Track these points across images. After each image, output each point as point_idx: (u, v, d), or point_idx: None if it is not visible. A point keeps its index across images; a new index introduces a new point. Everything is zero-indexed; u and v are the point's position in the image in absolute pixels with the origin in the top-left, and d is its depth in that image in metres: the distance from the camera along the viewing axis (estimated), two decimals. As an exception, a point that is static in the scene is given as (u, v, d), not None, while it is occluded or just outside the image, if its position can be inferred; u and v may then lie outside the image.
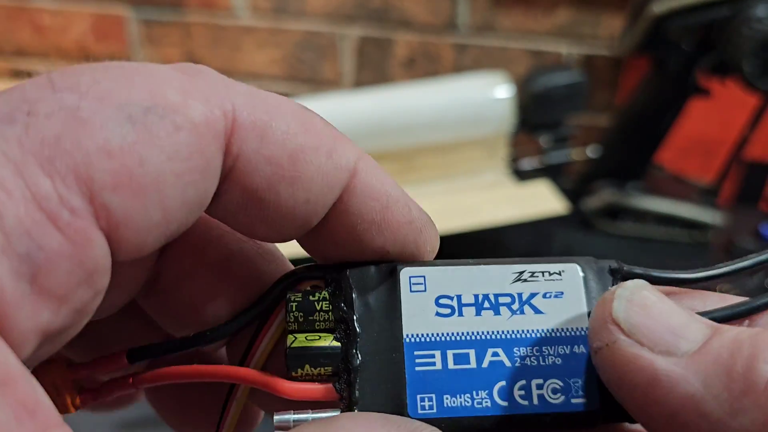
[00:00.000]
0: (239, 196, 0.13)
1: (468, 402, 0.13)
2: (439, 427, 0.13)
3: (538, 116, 0.56)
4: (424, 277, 0.14)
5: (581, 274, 0.14)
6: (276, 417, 0.13)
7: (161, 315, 0.16)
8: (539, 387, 0.13)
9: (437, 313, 0.14)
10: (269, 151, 0.13)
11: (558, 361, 0.14)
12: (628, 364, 0.12)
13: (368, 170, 0.14)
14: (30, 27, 0.92)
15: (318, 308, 0.14)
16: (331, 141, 0.13)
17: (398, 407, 0.13)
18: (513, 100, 0.52)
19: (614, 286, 0.13)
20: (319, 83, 0.91)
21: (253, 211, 0.13)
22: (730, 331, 0.12)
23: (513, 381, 0.13)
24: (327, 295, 0.14)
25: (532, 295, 0.14)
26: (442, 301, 0.14)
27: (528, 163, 0.62)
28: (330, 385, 0.14)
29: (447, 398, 0.13)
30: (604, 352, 0.13)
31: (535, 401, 0.13)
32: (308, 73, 0.90)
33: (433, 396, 0.13)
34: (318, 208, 0.13)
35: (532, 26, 0.83)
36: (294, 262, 0.16)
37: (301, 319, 0.14)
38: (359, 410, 0.13)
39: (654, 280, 0.14)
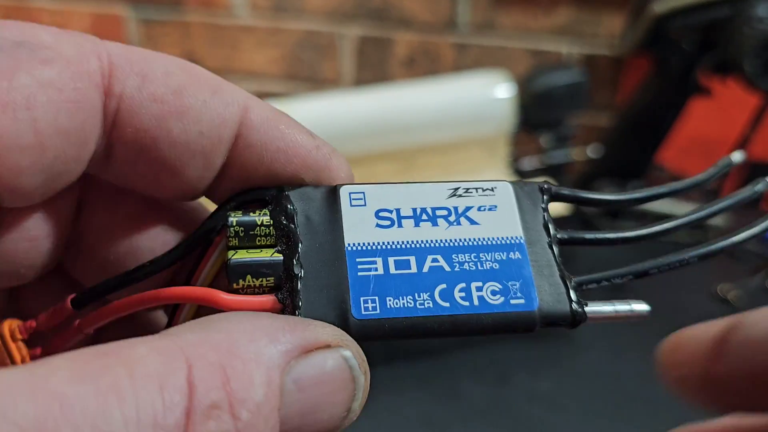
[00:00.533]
0: (132, 140, 0.13)
1: (410, 303, 0.14)
2: (383, 328, 0.13)
3: (538, 116, 0.56)
4: (363, 193, 0.15)
5: (513, 189, 0.15)
6: None
7: (88, 278, 0.16)
8: (479, 289, 0.14)
9: (377, 225, 0.14)
10: (152, 88, 0.13)
11: (495, 266, 0.14)
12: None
13: (260, 105, 0.14)
14: (29, 26, 0.92)
15: (259, 223, 0.14)
16: (215, 82, 0.14)
17: (342, 310, 0.13)
18: (513, 100, 0.52)
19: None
20: (318, 82, 0.91)
21: (150, 155, 0.13)
22: None
23: (453, 284, 0.14)
24: (267, 212, 0.14)
25: (468, 208, 0.15)
26: (382, 214, 0.15)
27: (528, 163, 0.62)
28: (272, 296, 0.14)
29: (390, 300, 0.14)
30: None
31: (476, 302, 0.14)
32: (308, 72, 0.90)
33: (376, 298, 0.14)
34: (213, 143, 0.14)
35: (532, 25, 0.83)
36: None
37: (242, 234, 0.14)
38: (302, 316, 0.13)
39: (583, 201, 0.16)
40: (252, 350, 0.11)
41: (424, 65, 0.87)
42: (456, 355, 0.52)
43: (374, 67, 0.88)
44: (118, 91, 0.13)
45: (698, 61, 0.64)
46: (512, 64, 0.85)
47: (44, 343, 0.15)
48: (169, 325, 0.15)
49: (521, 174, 0.60)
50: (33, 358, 0.15)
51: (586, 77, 0.60)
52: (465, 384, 0.49)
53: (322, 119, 0.49)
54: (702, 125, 0.77)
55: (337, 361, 0.12)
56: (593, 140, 0.72)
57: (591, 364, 0.52)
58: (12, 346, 0.14)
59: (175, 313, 0.15)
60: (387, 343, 0.47)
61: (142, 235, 0.15)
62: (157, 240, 0.15)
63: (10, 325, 0.15)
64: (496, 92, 0.52)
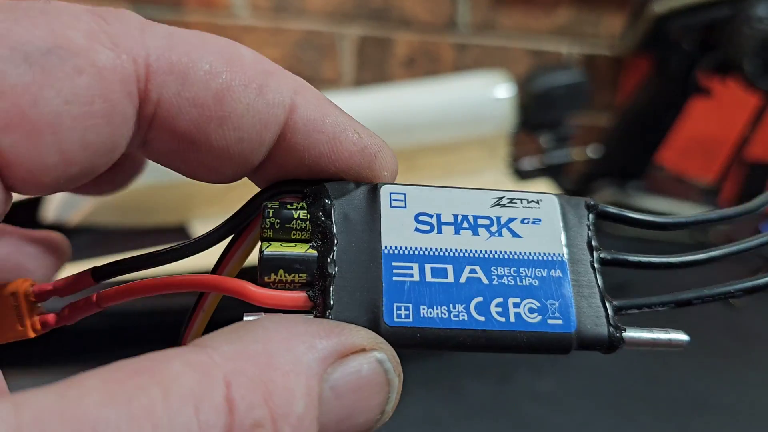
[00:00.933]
0: (169, 141, 0.13)
1: (445, 314, 0.13)
2: (415, 337, 0.13)
3: (538, 116, 0.56)
4: (404, 194, 0.14)
5: (559, 204, 0.15)
6: (246, 318, 0.13)
7: None
8: (516, 305, 0.13)
9: (416, 229, 0.14)
10: (192, 92, 0.12)
11: (535, 282, 0.14)
12: None
13: (308, 103, 0.13)
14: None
15: (295, 217, 0.14)
16: (262, 76, 0.13)
17: (374, 315, 0.13)
18: (513, 100, 0.52)
19: None
20: (319, 82, 0.91)
21: (187, 155, 0.13)
22: None
23: (490, 297, 0.13)
24: (305, 206, 0.14)
25: (511, 220, 0.14)
26: (422, 218, 0.14)
27: (529, 163, 0.62)
28: (304, 294, 0.13)
29: (424, 309, 0.13)
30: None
31: (512, 318, 0.13)
32: (308, 72, 0.90)
33: (410, 306, 0.13)
34: (255, 146, 0.13)
35: (532, 26, 0.83)
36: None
37: (277, 226, 0.14)
38: (333, 317, 0.13)
39: (629, 221, 0.16)
40: (291, 360, 0.11)
41: (424, 65, 0.87)
42: (459, 355, 0.52)
43: (374, 67, 0.88)
44: (155, 97, 0.12)
45: (698, 62, 0.64)
46: (512, 64, 0.85)
47: (58, 310, 0.15)
48: (193, 312, 0.15)
49: (521, 174, 0.60)
50: (43, 323, 0.14)
51: (586, 77, 0.60)
52: (467, 382, 0.49)
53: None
54: (702, 125, 0.77)
55: (372, 365, 0.12)
56: (593, 140, 0.72)
57: (592, 363, 0.52)
58: (24, 306, 0.14)
59: (199, 302, 0.15)
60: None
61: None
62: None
63: (24, 284, 0.14)
64: (496, 92, 0.52)
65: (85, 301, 0.14)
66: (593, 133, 0.81)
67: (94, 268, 0.14)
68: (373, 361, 0.12)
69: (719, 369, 0.51)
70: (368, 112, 0.50)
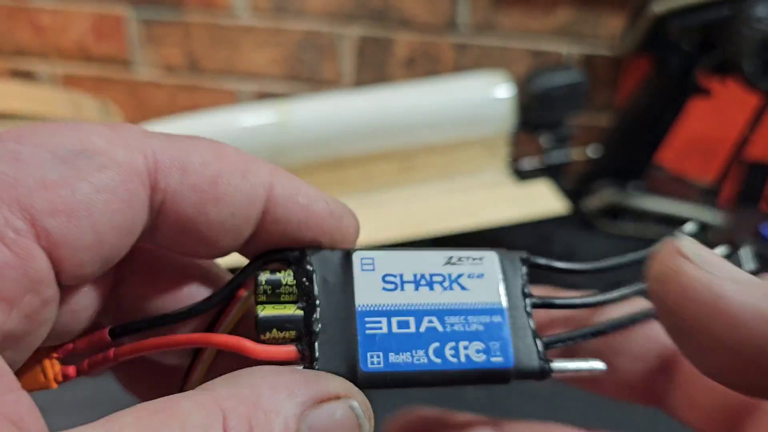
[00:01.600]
0: (174, 223, 0.16)
1: (409, 359, 0.16)
2: (385, 379, 0.16)
3: (538, 116, 0.56)
4: (373, 258, 0.17)
5: (498, 259, 0.18)
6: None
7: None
8: (465, 348, 0.17)
9: (384, 288, 0.17)
10: (191, 180, 0.15)
11: (480, 327, 0.17)
12: (695, 286, 0.13)
13: (283, 182, 0.16)
14: (29, 27, 0.92)
15: (284, 283, 0.16)
16: (243, 164, 0.16)
17: (352, 363, 0.16)
18: (513, 100, 0.52)
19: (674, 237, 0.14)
20: (319, 83, 0.91)
21: (190, 233, 0.16)
22: None
23: (444, 342, 0.16)
24: (291, 272, 0.17)
25: (459, 275, 0.17)
26: (388, 278, 0.17)
27: (528, 163, 0.62)
28: (293, 347, 0.16)
29: (392, 355, 0.16)
30: (670, 277, 0.13)
31: (462, 359, 0.16)
32: (308, 73, 0.90)
33: (381, 354, 0.16)
34: (244, 221, 0.16)
35: (532, 26, 0.83)
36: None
37: (269, 292, 0.16)
38: (319, 367, 0.16)
39: (555, 270, 0.19)
40: (273, 403, 0.13)
41: (424, 66, 0.87)
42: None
43: (374, 68, 0.89)
44: (162, 185, 0.15)
45: (698, 62, 0.64)
46: (512, 64, 0.85)
47: (78, 363, 0.17)
48: (191, 366, 0.18)
49: (521, 174, 0.60)
50: (65, 375, 0.17)
51: (585, 78, 0.60)
52: (465, 384, 0.49)
53: (323, 119, 0.49)
54: (701, 125, 0.77)
55: (345, 411, 0.15)
56: (593, 140, 0.72)
57: (591, 363, 0.52)
58: (47, 363, 0.17)
59: (198, 355, 0.17)
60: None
61: (174, 296, 0.18)
62: (187, 299, 0.18)
63: (48, 349, 0.17)
64: (495, 92, 0.52)
65: (103, 356, 0.17)
66: (593, 133, 0.81)
67: (111, 329, 0.17)
68: (345, 407, 0.15)
69: None
70: (368, 113, 0.50)
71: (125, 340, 0.17)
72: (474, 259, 0.17)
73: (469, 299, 0.17)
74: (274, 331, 0.16)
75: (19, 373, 0.15)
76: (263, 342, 0.16)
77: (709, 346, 0.13)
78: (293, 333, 0.16)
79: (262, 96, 0.93)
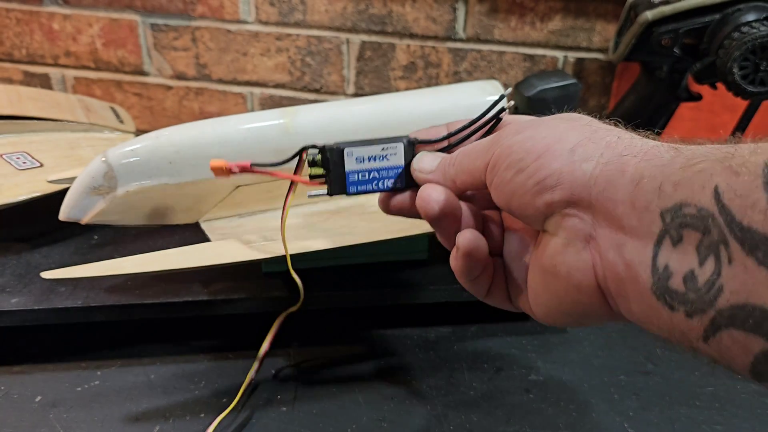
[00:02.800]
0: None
1: (365, 187, 0.36)
2: (357, 193, 0.36)
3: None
4: (352, 150, 0.36)
5: (402, 144, 0.36)
6: (309, 192, 0.37)
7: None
8: (386, 180, 0.36)
9: (356, 161, 0.36)
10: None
11: (392, 174, 0.36)
12: (419, 177, 0.35)
13: None
14: (41, 32, 0.94)
15: (317, 159, 0.36)
16: None
17: (343, 188, 0.36)
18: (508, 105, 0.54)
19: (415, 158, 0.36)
20: (322, 89, 0.92)
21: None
22: (443, 159, 0.35)
23: (380, 180, 0.36)
24: (320, 154, 0.36)
25: (386, 155, 0.36)
26: (358, 158, 0.36)
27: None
28: (324, 183, 0.37)
29: (359, 186, 0.36)
30: (414, 175, 0.36)
31: (386, 185, 0.36)
32: (312, 79, 0.92)
33: (355, 186, 0.36)
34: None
35: (527, 33, 0.85)
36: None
37: (310, 161, 0.36)
38: (329, 190, 0.36)
39: (416, 142, 0.36)
40: None
41: (424, 72, 0.89)
42: (454, 349, 0.54)
43: (375, 74, 0.90)
44: None
45: (688, 67, 0.65)
46: (508, 69, 0.87)
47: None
48: (288, 190, 0.38)
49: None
50: (230, 170, 0.35)
51: (578, 83, 0.62)
52: (462, 374, 0.50)
53: (326, 123, 0.51)
54: (691, 129, 0.79)
55: None
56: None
57: (583, 355, 0.53)
58: (227, 166, 0.35)
59: (288, 189, 0.38)
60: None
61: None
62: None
63: (225, 162, 0.35)
64: (490, 98, 0.54)
65: (247, 166, 0.35)
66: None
67: (252, 162, 0.36)
68: None
69: (708, 361, 0.52)
70: (369, 119, 0.51)
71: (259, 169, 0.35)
72: (393, 145, 0.36)
73: (389, 164, 0.36)
74: (316, 176, 0.36)
75: (215, 172, 0.35)
76: (311, 178, 0.36)
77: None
78: (323, 179, 0.36)
79: (268, 102, 0.95)
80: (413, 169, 0.35)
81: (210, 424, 0.44)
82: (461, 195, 0.34)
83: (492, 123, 0.35)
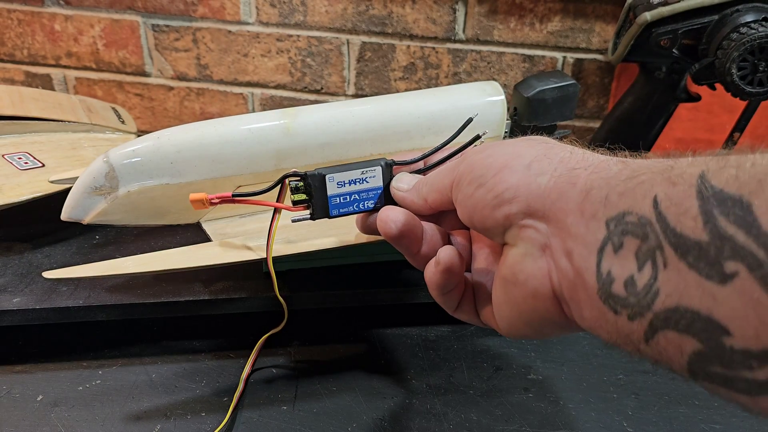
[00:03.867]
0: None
1: (347, 210, 0.39)
2: (338, 216, 0.40)
3: (531, 121, 0.58)
4: (333, 176, 0.38)
5: (381, 167, 0.38)
6: (293, 217, 0.40)
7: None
8: (365, 201, 0.39)
9: (337, 185, 0.38)
10: None
11: (370, 195, 0.39)
12: (397, 195, 0.38)
13: None
14: (43, 32, 0.94)
15: (300, 186, 0.38)
16: None
17: (326, 212, 0.39)
18: (507, 106, 0.54)
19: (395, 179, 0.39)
20: (322, 90, 0.93)
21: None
22: (419, 179, 0.37)
23: (360, 201, 0.39)
24: (302, 181, 0.38)
25: (366, 177, 0.38)
26: (339, 183, 0.38)
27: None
28: (306, 208, 0.39)
29: (341, 209, 0.39)
30: (392, 193, 0.39)
31: (364, 206, 0.39)
32: (312, 80, 0.92)
33: (337, 208, 0.39)
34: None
35: (527, 34, 0.85)
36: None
37: (294, 187, 0.38)
38: (313, 214, 0.39)
39: (393, 164, 0.39)
40: None
41: (424, 73, 0.89)
42: (453, 348, 0.54)
43: (375, 75, 0.91)
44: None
45: (687, 68, 0.65)
46: (507, 70, 0.87)
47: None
48: (273, 216, 0.41)
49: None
50: (211, 202, 0.38)
51: (577, 84, 0.62)
52: (461, 373, 0.51)
53: (327, 124, 0.51)
54: (689, 129, 0.79)
55: None
56: (585, 145, 0.73)
57: (582, 354, 0.53)
58: (206, 200, 0.38)
59: (273, 216, 0.41)
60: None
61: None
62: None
63: (204, 195, 0.38)
64: (490, 99, 0.54)
65: (229, 200, 0.39)
66: (585, 138, 0.83)
67: (235, 192, 0.38)
68: None
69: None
70: (370, 118, 0.52)
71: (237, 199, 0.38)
72: (371, 169, 0.38)
73: (368, 186, 0.38)
74: (300, 203, 0.39)
75: (194, 206, 0.38)
76: (295, 204, 0.39)
77: (404, 204, 0.38)
78: (305, 203, 0.39)
79: (268, 103, 0.95)
80: (392, 187, 0.38)
81: (210, 424, 0.44)
82: (434, 214, 0.37)
83: (467, 144, 0.39)
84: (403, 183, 0.38)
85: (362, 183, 0.38)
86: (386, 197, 0.39)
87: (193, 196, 0.36)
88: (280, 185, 0.38)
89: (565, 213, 0.27)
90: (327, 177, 0.37)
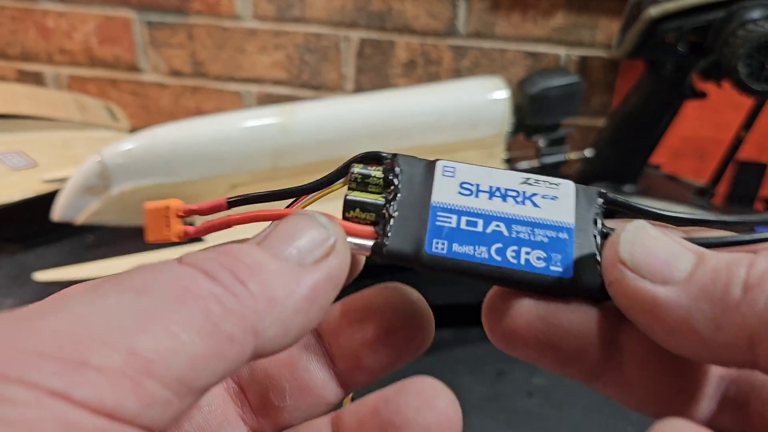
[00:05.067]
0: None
1: (471, 251, 0.17)
2: (445, 265, 0.17)
3: (534, 118, 0.57)
4: (454, 168, 0.18)
5: (574, 188, 0.18)
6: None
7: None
8: (527, 253, 0.17)
9: (459, 192, 0.18)
10: None
11: (545, 239, 0.17)
12: (635, 294, 0.15)
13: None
14: (36, 29, 0.93)
15: (373, 175, 0.18)
16: None
17: (417, 246, 0.17)
18: (510, 103, 0.53)
19: (619, 229, 0.16)
20: (321, 86, 0.92)
21: None
22: (712, 258, 0.14)
23: (508, 245, 0.17)
24: (381, 169, 0.18)
25: (534, 194, 0.18)
26: (465, 185, 0.18)
27: (525, 165, 0.63)
28: (371, 227, 0.18)
29: (455, 245, 0.17)
30: (615, 285, 0.15)
31: (522, 261, 0.17)
32: (310, 76, 0.91)
33: (446, 242, 0.17)
34: None
35: (530, 30, 0.84)
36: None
37: (359, 181, 0.18)
38: (388, 244, 0.17)
39: (634, 210, 0.18)
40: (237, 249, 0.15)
41: (424, 69, 0.88)
42: (455, 352, 0.53)
43: (375, 72, 0.90)
44: None
45: (692, 65, 0.64)
46: (510, 67, 0.86)
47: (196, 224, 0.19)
48: None
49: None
50: (184, 233, 0.19)
51: (581, 81, 0.61)
52: (464, 378, 0.50)
53: (325, 122, 0.50)
54: (696, 127, 0.78)
55: (299, 216, 0.16)
56: (589, 143, 0.73)
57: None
58: (174, 219, 0.19)
59: None
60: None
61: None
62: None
63: (176, 203, 0.19)
64: (493, 96, 0.53)
65: (219, 221, 0.19)
66: (589, 136, 0.82)
67: (230, 198, 0.19)
68: (298, 215, 0.16)
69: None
70: (369, 115, 0.51)
71: (239, 209, 0.19)
72: (551, 183, 0.18)
73: (539, 215, 0.17)
74: (357, 210, 0.18)
75: (149, 226, 0.19)
76: (347, 219, 0.18)
77: (653, 332, 0.15)
78: (373, 216, 0.18)
79: (266, 99, 0.94)
80: (616, 253, 0.15)
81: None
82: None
83: None
84: (665, 255, 0.15)
85: (522, 205, 0.18)
86: (585, 262, 0.17)
87: (150, 205, 0.19)
88: (332, 177, 0.19)
89: None
90: (440, 165, 0.18)
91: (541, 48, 0.85)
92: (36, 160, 0.63)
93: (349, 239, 0.17)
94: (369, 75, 0.90)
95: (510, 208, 0.18)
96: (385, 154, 0.18)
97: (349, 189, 0.18)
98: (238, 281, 0.13)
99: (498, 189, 0.18)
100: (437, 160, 0.18)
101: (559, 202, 0.18)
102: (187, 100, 0.95)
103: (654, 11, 0.63)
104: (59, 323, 0.12)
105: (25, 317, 0.12)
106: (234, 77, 0.93)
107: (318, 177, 0.18)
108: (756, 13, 0.60)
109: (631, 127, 0.68)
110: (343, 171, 0.19)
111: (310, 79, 0.91)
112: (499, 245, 0.17)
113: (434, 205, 0.18)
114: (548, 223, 0.17)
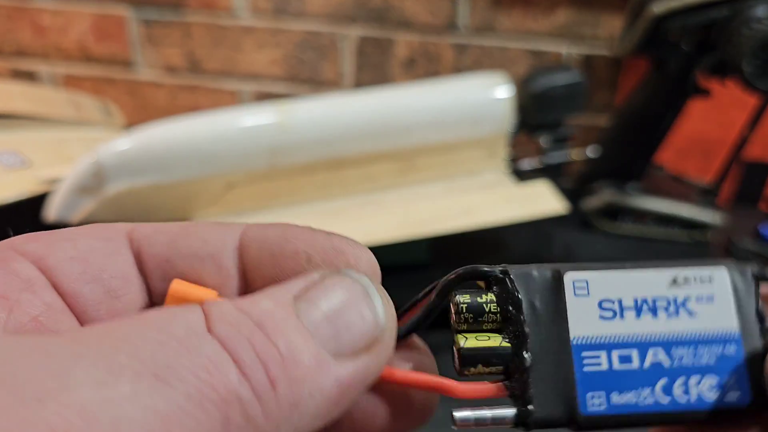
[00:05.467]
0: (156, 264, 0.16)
1: (633, 399, 0.14)
2: (608, 423, 0.14)
3: (537, 116, 0.56)
4: (586, 281, 0.15)
5: (729, 278, 0.15)
6: (457, 415, 0.14)
7: None
8: (697, 384, 0.14)
9: (601, 316, 0.15)
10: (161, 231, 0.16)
11: (711, 360, 0.15)
12: None
13: (255, 225, 0.16)
14: (30, 27, 0.92)
15: (486, 310, 0.14)
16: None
17: (570, 405, 0.14)
18: (512, 100, 0.52)
19: None
20: (319, 83, 0.91)
21: (171, 271, 0.16)
22: None
23: (673, 378, 0.14)
24: (494, 297, 0.15)
25: (686, 299, 0.15)
26: (605, 304, 0.15)
27: (528, 164, 0.62)
28: (500, 384, 0.14)
29: (614, 396, 0.14)
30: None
31: (693, 398, 0.14)
32: (308, 73, 0.90)
33: (603, 394, 0.14)
34: (221, 250, 0.15)
35: (531, 26, 0.83)
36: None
37: (471, 320, 0.15)
38: (534, 407, 0.14)
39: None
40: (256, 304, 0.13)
41: (424, 66, 0.87)
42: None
43: (374, 68, 0.89)
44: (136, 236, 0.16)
45: (697, 62, 0.64)
46: (512, 65, 0.85)
47: None
48: None
49: (520, 174, 0.60)
50: None
51: (584, 78, 0.61)
52: (463, 379, 0.49)
53: (323, 120, 0.49)
54: (700, 125, 0.77)
55: (345, 282, 0.13)
56: (593, 141, 0.72)
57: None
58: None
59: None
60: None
61: None
62: None
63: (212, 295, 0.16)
64: (495, 93, 0.52)
65: None
66: (592, 134, 0.81)
67: None
68: (342, 276, 0.14)
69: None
70: (368, 113, 0.50)
71: None
72: (702, 279, 0.15)
73: (699, 327, 0.15)
74: (480, 366, 0.14)
75: None
76: (466, 377, 0.14)
77: None
78: (500, 368, 0.14)
79: (263, 96, 0.93)
80: None
81: None
82: None
83: None
84: None
85: (676, 317, 0.15)
86: (755, 373, 0.15)
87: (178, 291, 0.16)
88: (429, 312, 0.15)
89: None
90: (569, 281, 0.15)
91: (543, 45, 0.84)
92: (31, 160, 0.62)
93: (472, 413, 0.14)
94: (368, 73, 0.89)
95: (664, 326, 0.15)
96: (489, 270, 0.15)
97: (457, 332, 0.15)
98: (268, 381, 0.11)
99: (645, 301, 0.15)
100: (561, 270, 0.15)
101: (716, 303, 0.15)
102: (183, 98, 0.94)
103: (658, 8, 0.62)
104: (63, 412, 0.10)
105: (21, 400, 0.10)
106: (231, 75, 0.92)
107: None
108: (761, 11, 0.60)
109: (636, 125, 0.68)
110: (440, 299, 0.15)
111: (308, 78, 0.91)
112: (664, 381, 0.14)
113: (575, 343, 0.14)
114: (711, 336, 0.15)
